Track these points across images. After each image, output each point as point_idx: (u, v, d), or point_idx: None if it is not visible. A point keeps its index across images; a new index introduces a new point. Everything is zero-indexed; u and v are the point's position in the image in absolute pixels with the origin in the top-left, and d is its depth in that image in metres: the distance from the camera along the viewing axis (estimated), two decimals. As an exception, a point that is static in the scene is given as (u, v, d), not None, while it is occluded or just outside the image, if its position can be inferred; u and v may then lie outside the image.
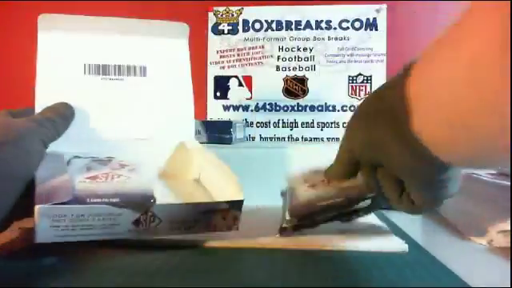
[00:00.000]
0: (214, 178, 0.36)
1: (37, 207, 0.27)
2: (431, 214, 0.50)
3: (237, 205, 0.32)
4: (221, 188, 0.34)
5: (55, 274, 0.28)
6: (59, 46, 0.41)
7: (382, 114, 0.26)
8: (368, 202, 0.34)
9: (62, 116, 0.37)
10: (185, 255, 0.31)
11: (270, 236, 0.35)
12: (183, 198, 0.33)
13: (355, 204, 0.34)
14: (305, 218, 0.35)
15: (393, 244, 0.34)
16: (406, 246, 0.33)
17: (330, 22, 0.83)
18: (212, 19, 0.85)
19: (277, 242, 0.34)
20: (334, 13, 0.83)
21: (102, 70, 0.42)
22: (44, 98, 0.38)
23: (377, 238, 0.35)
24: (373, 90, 0.70)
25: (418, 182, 0.27)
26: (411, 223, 0.46)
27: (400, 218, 0.44)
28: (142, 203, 0.30)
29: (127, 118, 0.42)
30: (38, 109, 0.37)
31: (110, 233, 0.30)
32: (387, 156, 0.27)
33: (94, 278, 0.27)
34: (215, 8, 0.86)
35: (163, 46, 0.45)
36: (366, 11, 0.82)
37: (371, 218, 0.40)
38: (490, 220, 0.37)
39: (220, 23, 0.85)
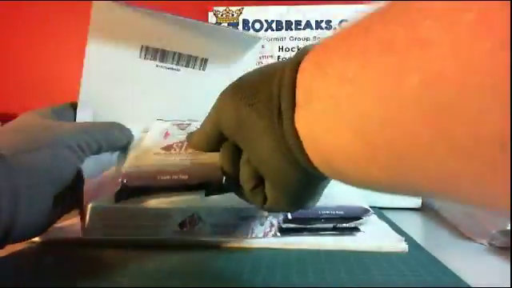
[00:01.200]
0: None
1: (89, 206, 0.26)
2: (431, 214, 0.50)
3: (275, 212, 0.33)
4: None
5: (55, 274, 0.28)
6: (115, 20, 0.36)
7: (262, 96, 0.21)
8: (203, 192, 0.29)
9: (108, 141, 0.33)
10: (185, 255, 0.31)
11: (271, 236, 0.35)
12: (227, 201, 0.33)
13: (198, 188, 0.29)
14: (137, 189, 0.29)
15: (393, 244, 0.34)
16: (406, 245, 0.33)
17: (330, 22, 0.83)
18: (212, 19, 0.85)
19: (277, 242, 0.34)
20: (334, 13, 0.83)
21: (160, 55, 0.38)
22: (91, 80, 0.35)
23: (377, 237, 0.35)
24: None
25: (280, 185, 0.23)
26: (411, 223, 0.46)
27: (400, 218, 0.44)
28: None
29: (180, 113, 0.38)
30: (84, 88, 0.34)
31: (156, 233, 0.30)
32: (254, 147, 0.22)
33: (94, 279, 0.27)
34: (215, 8, 0.86)
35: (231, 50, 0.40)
36: (366, 11, 0.82)
37: (371, 218, 0.40)
38: (490, 220, 0.37)
39: (220, 23, 0.85)
